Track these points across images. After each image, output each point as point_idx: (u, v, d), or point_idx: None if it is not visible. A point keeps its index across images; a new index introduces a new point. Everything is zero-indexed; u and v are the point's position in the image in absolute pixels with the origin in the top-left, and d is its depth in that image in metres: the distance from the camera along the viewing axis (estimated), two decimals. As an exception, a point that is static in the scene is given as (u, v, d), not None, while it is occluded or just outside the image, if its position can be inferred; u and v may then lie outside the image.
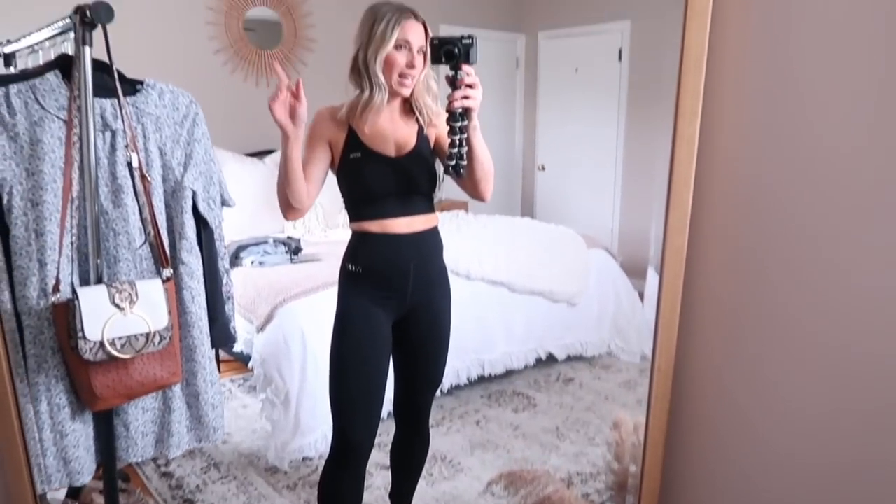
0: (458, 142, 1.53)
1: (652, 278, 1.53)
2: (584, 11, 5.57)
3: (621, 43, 5.35)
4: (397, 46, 1.61)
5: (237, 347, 2.89)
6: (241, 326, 2.89)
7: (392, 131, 1.70)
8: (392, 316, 1.76)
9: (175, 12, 4.27)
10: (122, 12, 4.01)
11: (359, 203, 1.73)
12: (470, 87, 1.48)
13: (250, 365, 2.74)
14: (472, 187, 1.70)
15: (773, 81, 1.09)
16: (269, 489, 2.51)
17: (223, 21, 4.44)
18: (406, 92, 1.67)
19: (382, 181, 1.68)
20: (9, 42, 2.18)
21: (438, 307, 1.82)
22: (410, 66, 1.62)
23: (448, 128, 1.53)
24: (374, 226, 1.70)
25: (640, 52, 5.24)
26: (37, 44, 1.93)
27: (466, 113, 1.51)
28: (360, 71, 1.66)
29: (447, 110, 1.50)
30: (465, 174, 1.60)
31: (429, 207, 1.78)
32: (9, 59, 2.22)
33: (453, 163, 1.55)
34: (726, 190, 1.15)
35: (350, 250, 1.76)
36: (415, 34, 1.62)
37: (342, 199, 1.78)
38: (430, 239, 1.78)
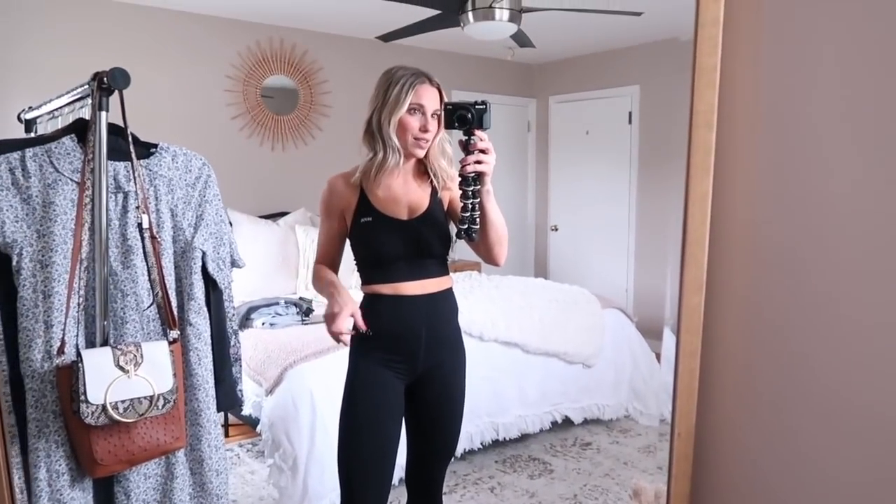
0: (470, 206, 1.53)
1: (668, 339, 1.49)
2: (594, 78, 5.69)
3: (631, 106, 5.44)
4: (411, 110, 1.63)
5: (245, 410, 2.84)
6: (250, 389, 2.86)
7: (405, 193, 1.70)
8: (404, 380, 1.72)
9: (196, 79, 4.41)
10: (143, 78, 4.15)
11: (370, 266, 1.73)
12: (483, 151, 1.49)
13: (258, 429, 2.68)
14: (485, 252, 1.68)
15: (786, 136, 1.08)
16: (275, 561, 2.41)
17: (241, 88, 4.58)
18: (421, 154, 1.68)
19: (393, 245, 1.67)
20: (30, 108, 2.24)
21: (451, 369, 1.78)
22: (424, 129, 1.64)
23: (460, 192, 1.53)
24: (386, 288, 1.70)
25: (649, 115, 5.31)
26: (56, 109, 1.98)
27: (479, 177, 1.51)
28: (374, 133, 1.68)
29: (459, 174, 1.51)
30: (477, 238, 1.59)
31: (441, 270, 1.76)
32: (29, 124, 2.28)
33: (465, 227, 1.55)
34: (743, 247, 1.12)
35: (362, 311, 1.73)
36: (429, 98, 1.64)
37: (354, 261, 1.78)
38: (443, 301, 1.76)
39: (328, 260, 1.80)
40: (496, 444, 3.32)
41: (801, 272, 1.07)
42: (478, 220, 1.55)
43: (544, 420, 3.46)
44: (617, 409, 3.75)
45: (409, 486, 1.86)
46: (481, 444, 3.21)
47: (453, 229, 1.73)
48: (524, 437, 3.44)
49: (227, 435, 3.51)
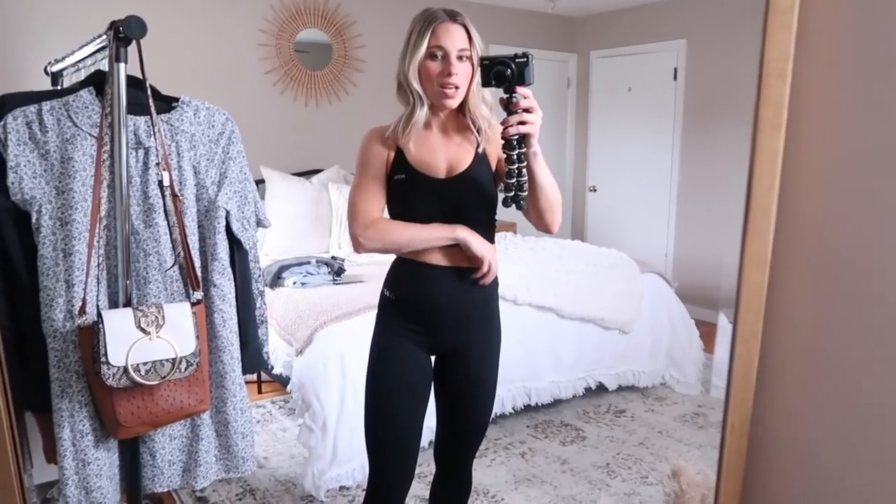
0: (515, 171, 1.39)
1: (723, 321, 1.38)
2: (638, 31, 5.43)
3: (676, 62, 5.19)
4: (431, 54, 1.48)
5: (276, 370, 2.83)
6: (281, 349, 2.84)
7: (443, 150, 1.56)
8: (429, 352, 1.64)
9: (228, 33, 4.33)
10: (173, 30, 4.06)
11: None
12: (527, 111, 1.35)
13: (288, 388, 2.67)
14: (536, 219, 1.56)
15: (872, 88, 0.91)
16: (304, 520, 2.42)
17: (274, 42, 4.48)
18: (451, 104, 1.52)
19: (428, 207, 1.54)
20: (56, 61, 2.19)
21: (480, 352, 1.65)
22: (447, 73, 1.47)
23: (504, 156, 1.40)
24: (417, 254, 1.57)
25: (696, 71, 5.06)
26: (80, 61, 1.92)
27: (524, 139, 1.38)
28: (402, 85, 1.54)
29: (502, 137, 1.38)
30: (526, 206, 1.46)
31: (485, 237, 1.58)
32: (56, 77, 2.24)
33: (512, 194, 1.41)
34: (816, 218, 0.97)
35: (389, 275, 1.66)
36: (450, 38, 1.46)
37: None
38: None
39: (380, 211, 1.59)
40: (528, 408, 3.27)
41: (888, 240, 0.92)
42: (525, 186, 1.42)
43: (578, 386, 3.38)
44: (653, 377, 3.66)
45: (437, 461, 1.79)
46: (513, 408, 3.17)
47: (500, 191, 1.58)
48: (556, 403, 3.38)
49: (259, 392, 3.53)
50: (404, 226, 1.55)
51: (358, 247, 1.58)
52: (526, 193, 1.42)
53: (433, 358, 1.67)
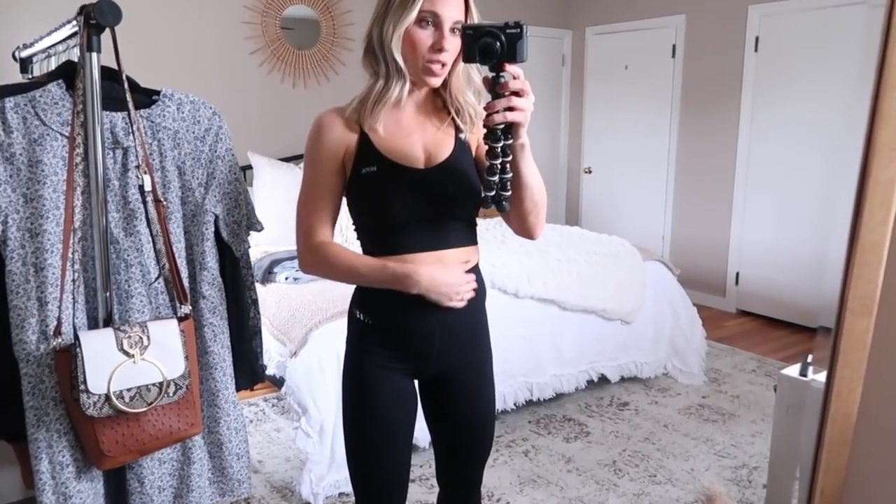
0: (498, 167, 1.15)
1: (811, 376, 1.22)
2: (636, 7, 5.27)
3: (675, 38, 5.04)
4: (421, 21, 1.22)
5: (270, 370, 2.70)
6: (274, 348, 2.71)
7: (420, 134, 1.32)
8: (412, 376, 1.42)
9: (210, 11, 4.11)
10: (150, 11, 3.85)
11: (373, 233, 1.34)
12: (516, 94, 1.11)
13: (283, 391, 2.54)
14: (517, 222, 1.33)
15: None
16: (302, 529, 2.31)
17: (260, 20, 4.28)
18: (435, 82, 1.27)
19: (405, 203, 1.28)
20: (25, 46, 2.02)
21: (476, 372, 1.45)
22: (438, 48, 1.22)
23: (486, 148, 1.15)
24: (393, 264, 1.30)
25: (695, 47, 4.92)
26: (50, 48, 1.75)
27: (511, 129, 1.14)
28: (375, 51, 1.26)
29: (484, 125, 1.14)
30: (508, 207, 1.21)
31: (467, 238, 1.37)
32: (25, 64, 2.06)
33: (492, 193, 1.17)
34: None
35: (359, 291, 1.38)
36: (446, 5, 1.21)
37: (353, 227, 1.39)
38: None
39: (326, 225, 1.34)
40: (529, 403, 3.17)
41: None
42: (509, 184, 1.18)
43: (580, 379, 3.29)
44: (655, 367, 3.57)
45: (441, 484, 1.59)
46: (514, 404, 3.06)
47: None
48: (558, 397, 3.29)
49: (251, 389, 3.40)
50: (349, 261, 1.30)
51: (302, 269, 1.38)
52: (510, 193, 1.19)
53: (417, 381, 1.46)
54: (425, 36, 1.23)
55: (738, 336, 4.38)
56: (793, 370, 1.54)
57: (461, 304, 1.32)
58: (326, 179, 1.32)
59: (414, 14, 1.21)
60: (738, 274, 4.81)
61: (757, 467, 2.70)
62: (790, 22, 4.35)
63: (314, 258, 1.34)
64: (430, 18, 1.22)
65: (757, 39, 4.52)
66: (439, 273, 1.28)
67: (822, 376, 1.33)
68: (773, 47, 4.45)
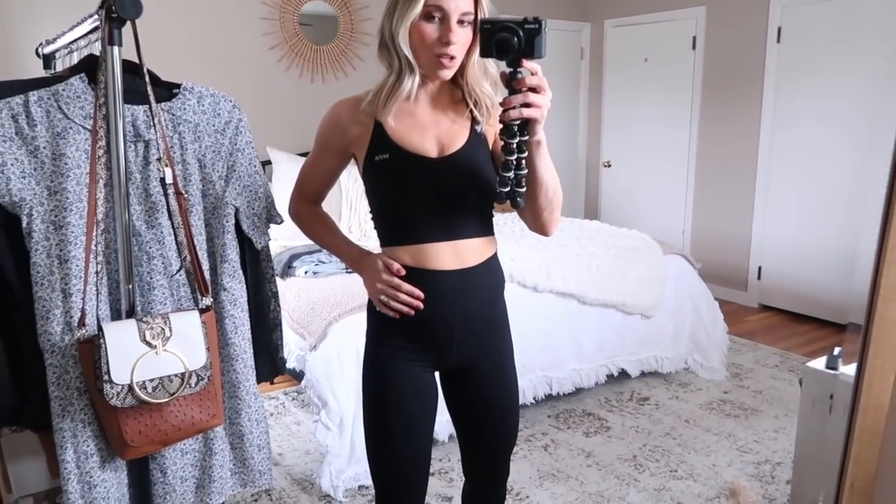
0: (513, 163, 1.14)
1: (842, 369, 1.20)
2: (655, -1, 5.21)
3: (695, 30, 4.98)
4: (427, 15, 1.22)
5: (289, 364, 2.72)
6: (294, 342, 2.72)
7: (433, 125, 1.33)
8: (434, 369, 1.43)
9: (229, 7, 4.14)
10: (170, 6, 3.89)
11: (388, 221, 1.37)
12: (533, 90, 1.09)
13: (303, 384, 2.56)
14: (531, 219, 1.33)
15: None
16: (322, 521, 2.33)
17: (278, 16, 4.29)
18: (446, 75, 1.28)
19: (417, 192, 1.29)
20: (48, 42, 2.04)
21: (498, 362, 1.44)
22: (445, 41, 1.22)
23: (502, 143, 1.14)
24: (408, 255, 1.33)
25: (716, 39, 4.85)
26: (72, 42, 1.77)
27: (527, 125, 1.12)
28: (388, 45, 1.28)
29: (500, 121, 1.13)
30: (522, 204, 1.20)
31: (482, 229, 1.37)
32: (48, 59, 2.08)
33: (507, 189, 1.16)
34: None
35: None
36: None
37: (370, 215, 1.42)
38: (487, 276, 1.38)
39: (313, 197, 1.52)
40: (549, 398, 3.15)
41: None
42: (524, 181, 1.16)
43: (599, 373, 3.27)
44: (676, 362, 3.54)
45: (467, 477, 1.60)
46: (534, 398, 3.05)
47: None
48: (578, 391, 3.27)
49: (272, 383, 3.42)
50: (323, 230, 1.52)
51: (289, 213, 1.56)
52: (524, 189, 1.18)
53: (438, 373, 1.47)
54: (432, 29, 1.23)
55: (760, 331, 4.33)
56: (819, 363, 1.52)
57: (389, 313, 1.35)
58: (327, 159, 1.45)
59: (419, 8, 1.21)
60: (760, 268, 4.75)
61: (780, 463, 2.67)
62: (813, 12, 4.27)
63: (296, 212, 1.54)
64: (435, 12, 1.22)
65: (779, 30, 4.45)
66: (367, 270, 1.38)
67: (850, 369, 1.30)
68: (796, 38, 4.37)
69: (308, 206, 1.53)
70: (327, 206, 1.58)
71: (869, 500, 0.74)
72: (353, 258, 1.46)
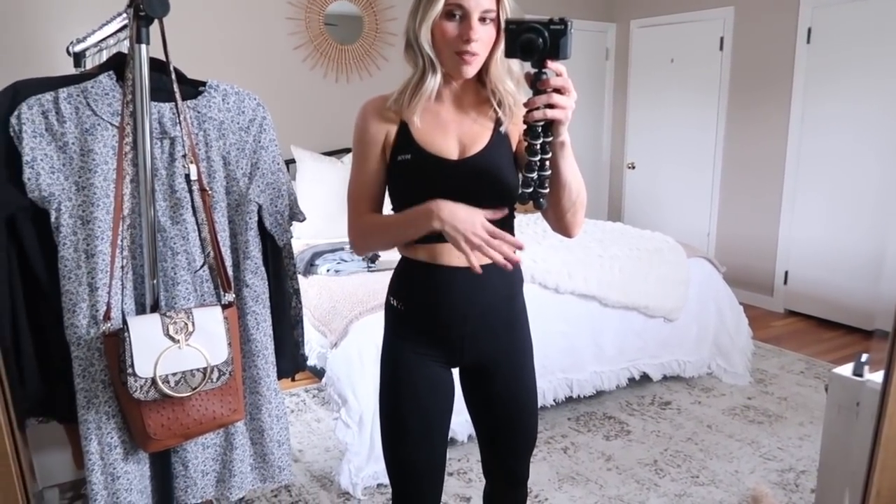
0: (537, 164, 1.13)
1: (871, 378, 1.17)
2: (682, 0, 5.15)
3: (723, 31, 4.92)
4: (448, 14, 1.22)
5: (311, 361, 2.74)
6: (315, 339, 2.74)
7: (456, 126, 1.33)
8: (450, 365, 1.43)
9: (255, 7, 4.18)
10: (197, 5, 3.93)
11: None
12: (558, 91, 1.09)
13: (324, 382, 2.57)
14: (554, 220, 1.32)
15: None
16: (341, 519, 2.34)
17: (304, 16, 4.33)
18: (468, 72, 1.28)
19: (436, 194, 1.27)
20: (78, 41, 2.08)
21: (516, 361, 1.44)
22: (465, 38, 1.22)
23: (525, 144, 1.14)
24: (423, 252, 1.34)
25: (744, 40, 4.79)
26: (101, 41, 1.80)
27: (551, 126, 1.12)
28: (412, 45, 1.29)
29: (524, 122, 1.13)
30: (545, 205, 1.19)
31: (501, 229, 1.30)
32: (78, 58, 2.12)
33: (531, 190, 1.15)
34: None
35: (394, 280, 1.42)
36: None
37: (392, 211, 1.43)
38: (501, 273, 1.33)
39: (371, 208, 1.38)
40: (569, 400, 3.13)
41: None
42: (547, 182, 1.15)
43: (621, 376, 3.24)
44: (699, 367, 3.49)
45: (487, 476, 1.60)
46: (554, 400, 3.04)
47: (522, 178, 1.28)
48: (599, 394, 3.24)
49: (292, 380, 3.45)
50: (380, 220, 1.36)
51: (354, 250, 1.43)
52: (547, 190, 1.17)
53: (457, 371, 1.47)
54: (453, 27, 1.24)
55: (785, 337, 4.26)
56: (845, 370, 1.49)
57: (475, 261, 1.22)
58: (369, 164, 1.36)
59: (440, 6, 1.22)
60: (786, 273, 4.68)
61: (805, 471, 2.62)
62: (844, 12, 4.19)
63: (357, 232, 1.39)
64: (456, 10, 1.23)
65: (809, 31, 4.37)
66: (461, 208, 1.24)
67: (878, 376, 1.28)
68: (827, 39, 4.30)
69: (361, 220, 1.40)
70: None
71: (895, 509, 0.73)
72: (424, 207, 1.26)
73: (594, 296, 3.09)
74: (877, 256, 4.12)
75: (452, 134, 1.33)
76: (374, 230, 1.37)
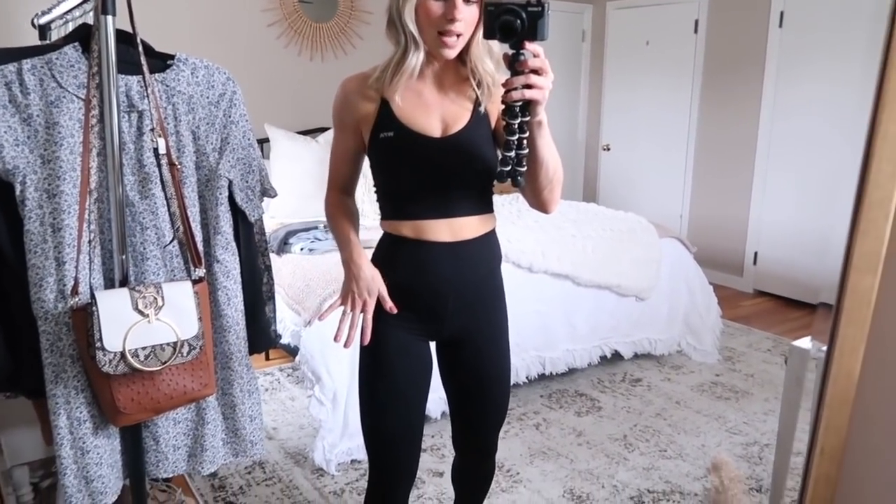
0: (515, 143, 1.16)
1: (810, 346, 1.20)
2: (658, -20, 5.17)
3: (698, 14, 4.95)
4: None
5: (284, 339, 2.74)
6: (289, 318, 2.74)
7: (437, 104, 1.35)
8: (428, 339, 1.47)
9: (227, -17, 4.11)
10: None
11: (389, 197, 1.41)
12: (535, 72, 1.11)
13: (297, 360, 2.58)
14: (531, 197, 1.35)
15: None
16: (315, 494, 2.36)
17: (276, -8, 4.26)
18: (450, 54, 1.29)
19: (419, 169, 1.33)
20: (43, 13, 2.03)
21: (488, 340, 1.48)
22: (450, 18, 1.23)
23: (503, 124, 1.17)
24: (407, 228, 1.38)
25: (718, 24, 4.83)
26: (67, 12, 1.76)
27: (528, 106, 1.14)
28: (395, 22, 1.30)
29: (502, 102, 1.14)
30: (523, 182, 1.22)
31: (481, 206, 1.41)
32: (44, 31, 2.07)
33: (508, 168, 1.18)
34: None
35: (377, 254, 1.45)
36: None
37: (374, 189, 1.46)
38: (482, 250, 1.42)
39: (341, 184, 1.48)
40: (542, 377, 3.18)
41: None
42: (525, 160, 1.18)
43: (593, 354, 3.30)
44: (669, 345, 3.56)
45: (457, 449, 1.65)
46: (527, 377, 3.08)
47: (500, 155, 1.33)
48: (571, 372, 3.29)
49: (267, 358, 3.45)
50: (333, 218, 1.48)
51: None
52: (525, 168, 1.20)
53: (433, 343, 1.51)
54: (436, 7, 1.24)
55: (754, 316, 4.35)
56: (804, 342, 1.54)
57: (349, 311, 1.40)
58: (345, 141, 1.43)
59: None
60: (756, 254, 4.77)
61: (768, 444, 2.70)
62: (817, -4, 4.24)
63: (326, 210, 1.52)
64: None
65: (782, 14, 4.42)
66: (368, 276, 1.38)
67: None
68: (799, 23, 4.35)
69: (337, 196, 1.50)
70: (326, 186, 1.53)
71: (838, 465, 0.76)
72: (350, 256, 1.42)
73: (567, 275, 3.12)
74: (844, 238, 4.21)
75: (435, 112, 1.35)
76: (330, 223, 1.50)
